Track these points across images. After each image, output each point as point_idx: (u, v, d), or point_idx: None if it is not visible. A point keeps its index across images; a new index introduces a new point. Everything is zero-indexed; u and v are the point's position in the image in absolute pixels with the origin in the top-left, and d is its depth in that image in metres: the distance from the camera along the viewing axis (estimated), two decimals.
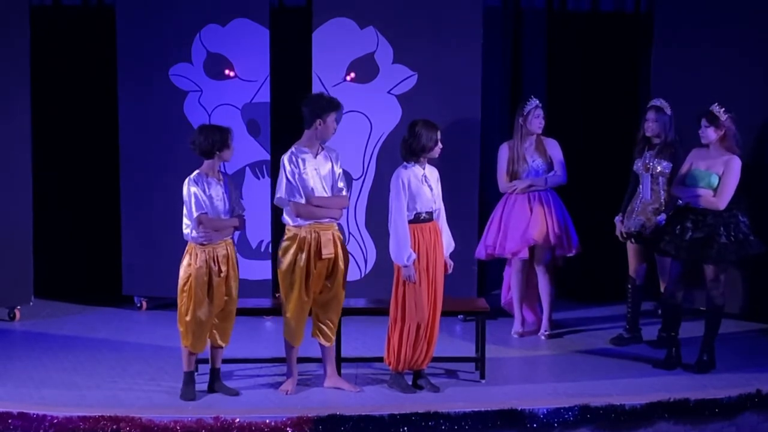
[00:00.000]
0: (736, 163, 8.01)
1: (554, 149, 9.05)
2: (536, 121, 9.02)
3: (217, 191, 7.45)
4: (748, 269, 9.34)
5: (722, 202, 7.98)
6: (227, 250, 7.49)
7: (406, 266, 7.52)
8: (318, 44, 9.49)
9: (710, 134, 8.05)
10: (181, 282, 7.44)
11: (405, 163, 7.63)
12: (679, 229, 8.04)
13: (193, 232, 7.39)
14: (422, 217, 7.62)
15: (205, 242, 7.38)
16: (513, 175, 9.05)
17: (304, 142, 7.61)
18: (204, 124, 7.78)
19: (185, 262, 7.45)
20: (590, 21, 10.54)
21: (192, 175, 7.44)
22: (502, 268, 10.52)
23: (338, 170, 7.66)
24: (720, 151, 8.06)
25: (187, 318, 7.43)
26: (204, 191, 7.39)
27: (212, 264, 7.42)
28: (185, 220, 7.42)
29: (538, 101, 9.03)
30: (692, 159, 8.19)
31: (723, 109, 8.03)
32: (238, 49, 9.58)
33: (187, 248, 7.47)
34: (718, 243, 7.90)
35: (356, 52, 9.51)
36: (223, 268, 7.46)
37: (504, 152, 9.12)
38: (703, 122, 8.07)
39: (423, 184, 7.60)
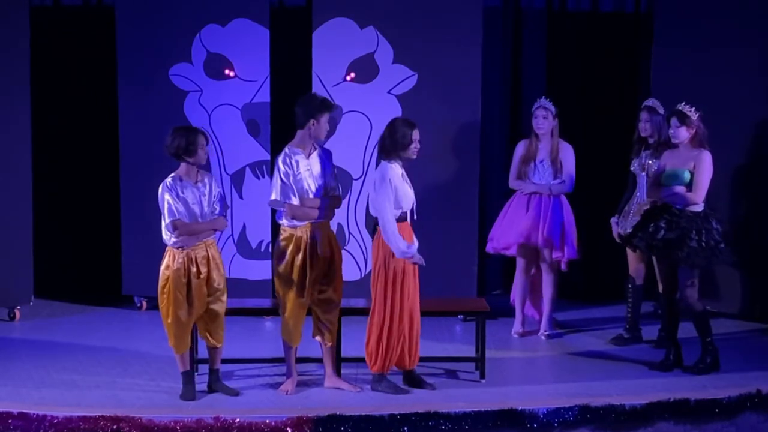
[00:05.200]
0: (707, 157, 8.02)
1: (566, 155, 9.02)
2: (535, 121, 9.02)
3: (193, 194, 7.40)
4: (748, 269, 9.35)
5: (699, 197, 7.99)
6: (207, 251, 7.47)
7: (409, 253, 7.46)
8: (318, 44, 9.49)
9: (682, 134, 8.06)
10: (160, 284, 7.44)
11: (387, 161, 7.58)
12: (652, 227, 8.05)
13: (171, 237, 7.38)
14: (403, 217, 7.58)
15: (181, 247, 7.38)
16: (522, 173, 9.06)
17: (297, 143, 7.60)
18: (177, 126, 7.71)
19: (163, 264, 7.44)
20: (590, 21, 10.54)
21: (167, 180, 7.40)
22: (502, 268, 10.56)
23: (331, 170, 7.65)
24: (690, 149, 8.06)
25: (168, 320, 7.43)
26: (177, 195, 7.36)
27: (191, 266, 7.40)
28: (163, 225, 7.41)
29: (542, 102, 9.02)
30: (665, 161, 8.19)
31: (692, 108, 8.03)
32: (238, 49, 9.59)
33: (166, 251, 7.46)
34: (688, 246, 7.90)
35: (356, 52, 9.51)
36: (203, 270, 7.44)
37: (519, 149, 9.15)
38: (674, 122, 8.06)
39: (405, 182, 7.57)
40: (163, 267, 7.44)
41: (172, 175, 7.43)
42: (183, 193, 7.38)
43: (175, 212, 7.33)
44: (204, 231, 7.44)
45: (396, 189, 7.48)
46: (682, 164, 8.04)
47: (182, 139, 7.36)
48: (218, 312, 7.57)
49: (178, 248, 7.38)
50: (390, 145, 7.51)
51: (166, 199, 7.35)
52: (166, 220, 7.36)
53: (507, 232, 9.03)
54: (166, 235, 7.40)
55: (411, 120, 7.64)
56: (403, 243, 7.45)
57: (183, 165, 7.42)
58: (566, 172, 8.99)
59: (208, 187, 7.48)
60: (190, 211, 7.39)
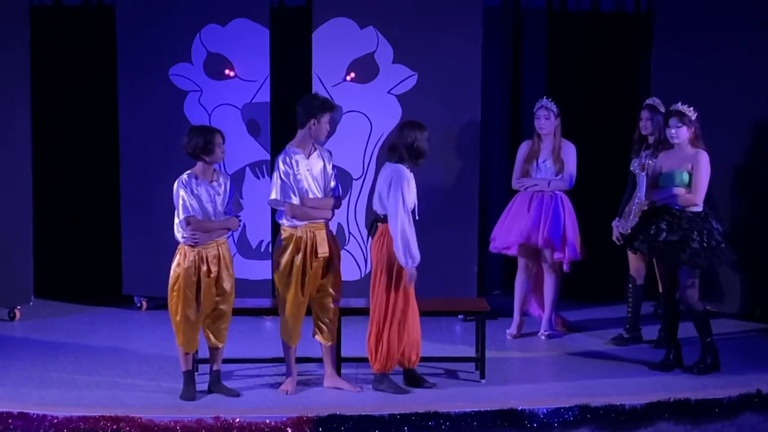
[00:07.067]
0: (705, 157, 8.00)
1: (568, 153, 9.00)
2: (537, 122, 9.02)
3: (207, 193, 7.42)
4: (748, 269, 9.36)
5: (698, 197, 7.98)
6: (218, 250, 7.48)
7: (412, 265, 7.49)
8: (318, 44, 9.49)
9: (683, 133, 8.02)
10: (170, 282, 7.45)
11: (401, 163, 7.56)
12: (654, 229, 8.04)
13: (183, 233, 7.40)
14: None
15: (193, 244, 7.39)
16: (525, 173, 9.06)
17: (297, 143, 7.60)
18: (194, 126, 7.78)
19: (175, 262, 7.46)
20: (590, 21, 10.55)
21: (183, 176, 7.43)
22: (502, 268, 10.56)
23: (330, 170, 7.66)
24: (687, 149, 8.05)
25: (177, 318, 7.44)
26: (192, 192, 7.38)
27: (201, 264, 7.41)
28: (176, 221, 7.43)
29: (544, 102, 9.00)
30: (661, 162, 8.17)
31: (690, 107, 8.01)
32: (238, 49, 9.59)
33: (178, 248, 7.48)
34: (691, 248, 7.90)
35: (356, 52, 9.51)
36: (213, 269, 7.45)
37: (522, 149, 9.15)
38: (674, 122, 8.00)
39: (414, 186, 7.59)
40: (174, 265, 7.46)
41: (188, 172, 7.45)
42: (197, 190, 7.40)
43: (189, 209, 7.35)
44: (217, 230, 7.46)
45: (410, 192, 7.48)
46: (679, 165, 8.03)
47: (200, 138, 7.38)
48: (225, 312, 7.58)
49: (189, 245, 7.39)
50: (414, 154, 7.50)
51: (180, 195, 7.37)
52: (180, 216, 7.38)
53: (508, 232, 9.03)
54: (179, 232, 7.42)
55: (420, 123, 7.63)
56: (415, 251, 7.44)
57: (199, 163, 7.44)
58: (566, 169, 8.98)
59: (223, 186, 7.50)
60: (203, 208, 7.41)
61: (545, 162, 9.01)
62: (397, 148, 7.54)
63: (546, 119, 8.99)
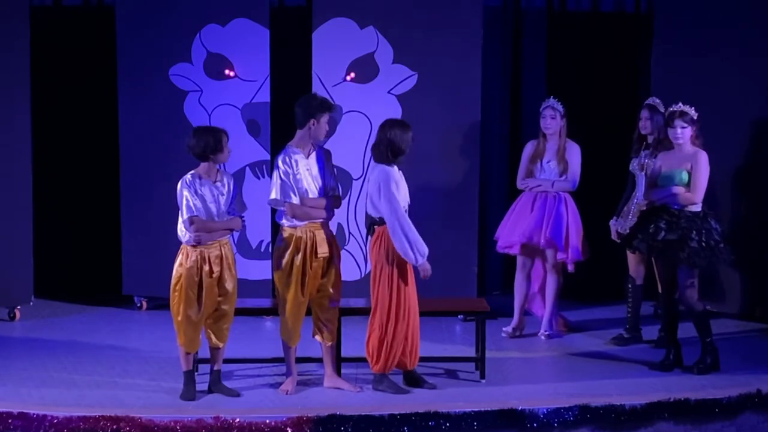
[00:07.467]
0: (704, 157, 8.00)
1: (572, 154, 9.00)
2: (543, 122, 9.02)
3: (211, 193, 7.43)
4: (748, 269, 9.35)
5: (698, 196, 7.98)
6: (221, 250, 7.48)
7: (423, 262, 7.50)
8: (318, 44, 9.49)
9: (688, 134, 8.02)
10: (173, 281, 7.47)
11: (388, 164, 7.57)
12: (652, 228, 8.04)
13: (186, 233, 7.40)
14: None
15: (195, 244, 7.40)
16: (529, 173, 9.06)
17: (296, 143, 7.61)
18: (199, 126, 7.80)
19: (177, 262, 7.47)
20: (590, 21, 10.55)
21: (186, 176, 7.44)
22: (502, 268, 10.56)
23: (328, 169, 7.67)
24: (686, 148, 8.04)
25: (179, 318, 7.45)
26: (195, 193, 7.39)
27: (204, 264, 7.42)
28: (180, 221, 7.44)
29: (551, 102, 9.00)
30: (660, 162, 8.16)
31: (692, 107, 8.00)
32: (238, 49, 9.59)
33: (180, 248, 7.49)
34: (689, 247, 7.90)
35: (356, 52, 9.51)
36: (216, 269, 7.45)
37: (527, 149, 9.15)
38: (680, 123, 7.98)
39: (403, 182, 7.59)
40: (176, 264, 7.47)
41: (192, 172, 7.46)
42: (201, 190, 7.41)
43: (193, 209, 7.36)
44: (220, 230, 7.46)
45: (399, 192, 7.48)
46: (678, 165, 8.03)
47: (210, 137, 7.39)
48: (227, 312, 7.58)
49: (192, 245, 7.39)
50: (392, 152, 7.50)
51: (184, 195, 7.38)
52: (183, 216, 7.39)
53: (512, 232, 9.03)
54: (182, 232, 7.43)
55: (405, 122, 7.65)
56: (421, 246, 7.44)
57: (204, 164, 7.45)
58: (570, 170, 8.98)
59: (226, 186, 7.51)
60: (206, 209, 7.41)
61: (549, 162, 9.01)
62: (378, 147, 7.56)
63: (552, 119, 8.98)
